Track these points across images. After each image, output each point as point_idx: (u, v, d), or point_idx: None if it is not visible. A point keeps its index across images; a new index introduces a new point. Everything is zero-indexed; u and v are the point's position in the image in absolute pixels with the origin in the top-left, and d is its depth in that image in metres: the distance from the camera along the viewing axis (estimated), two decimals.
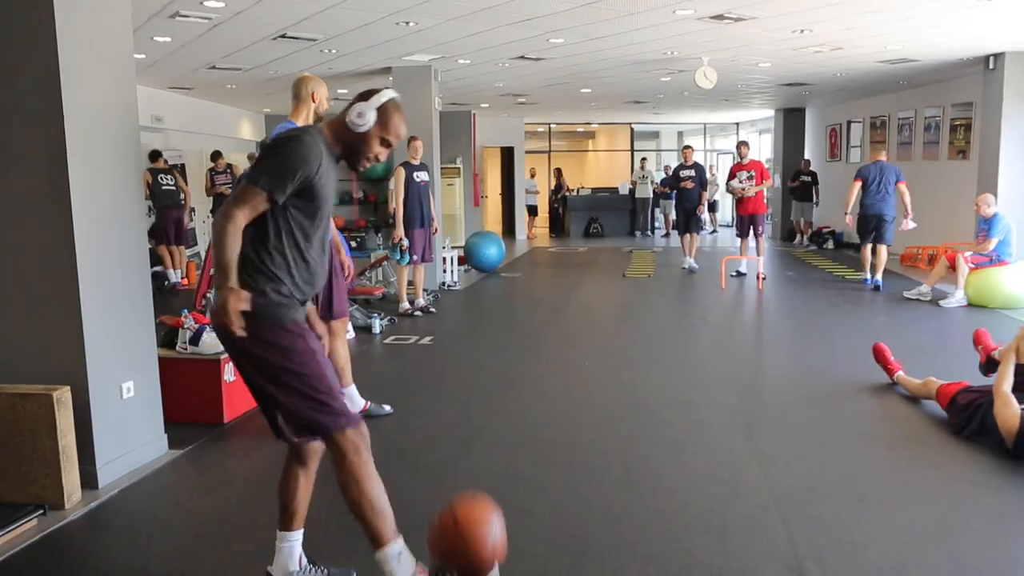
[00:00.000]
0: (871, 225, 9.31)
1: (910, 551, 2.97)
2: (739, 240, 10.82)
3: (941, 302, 8.21)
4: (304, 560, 2.71)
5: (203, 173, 11.78)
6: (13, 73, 3.52)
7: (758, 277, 10.07)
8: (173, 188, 10.17)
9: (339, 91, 11.97)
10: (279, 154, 2.37)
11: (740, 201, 10.61)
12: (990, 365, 4.73)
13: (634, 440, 4.27)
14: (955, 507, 3.37)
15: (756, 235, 10.47)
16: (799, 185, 15.14)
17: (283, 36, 7.75)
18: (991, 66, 9.48)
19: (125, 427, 3.88)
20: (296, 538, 2.66)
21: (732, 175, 10.72)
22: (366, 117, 2.45)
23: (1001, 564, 2.88)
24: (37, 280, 3.62)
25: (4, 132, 3.56)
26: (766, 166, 11.95)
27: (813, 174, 15.33)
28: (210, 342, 4.64)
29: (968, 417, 4.22)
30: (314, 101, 4.22)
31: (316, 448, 2.63)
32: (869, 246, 9.46)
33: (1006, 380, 4.13)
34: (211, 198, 11.60)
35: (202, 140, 12.62)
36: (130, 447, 3.91)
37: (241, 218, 2.33)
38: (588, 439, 4.30)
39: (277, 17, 6.96)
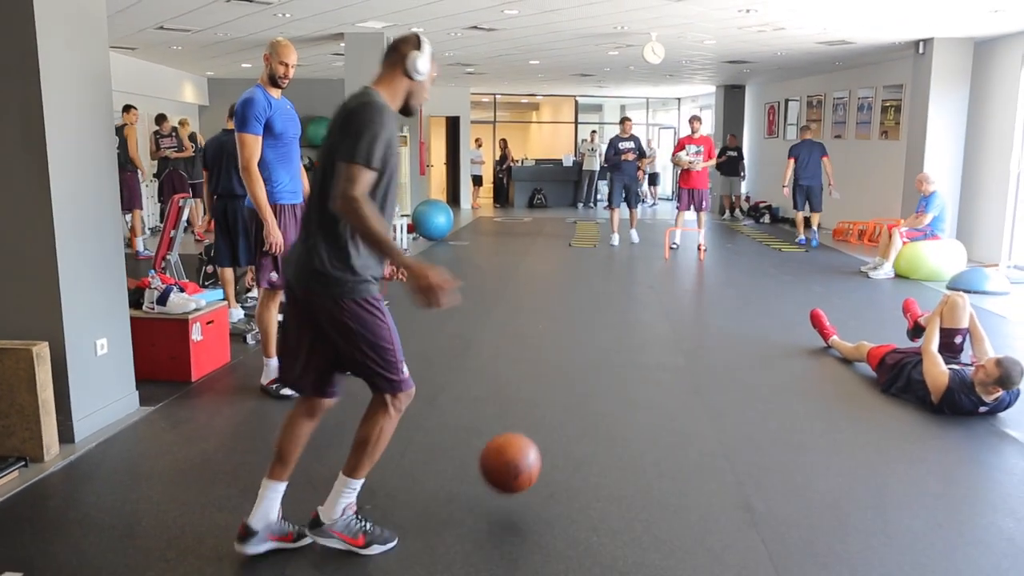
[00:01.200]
0: (804, 195, 11.43)
1: (843, 490, 3.30)
2: (677, 212, 11.07)
3: (871, 273, 8.69)
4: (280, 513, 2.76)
5: (147, 136, 11.58)
6: None
7: (699, 248, 10.44)
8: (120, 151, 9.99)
9: None
10: (371, 124, 2.40)
11: (685, 174, 10.78)
12: (917, 331, 5.14)
13: (590, 397, 4.54)
14: (882, 453, 3.72)
15: (700, 209, 10.69)
16: (725, 160, 15.56)
17: None
18: (921, 51, 9.96)
19: (99, 383, 3.97)
20: (281, 490, 2.72)
21: (681, 147, 10.80)
22: (427, 65, 2.58)
23: (919, 498, 3.23)
24: (16, 240, 3.66)
25: None
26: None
27: (739, 149, 15.85)
28: (178, 302, 4.72)
29: (895, 376, 4.60)
30: (267, 64, 4.25)
31: (328, 405, 2.77)
32: (802, 213, 11.46)
33: (933, 341, 4.51)
34: (155, 162, 11.42)
35: (144, 102, 12.37)
36: (104, 403, 4.00)
37: (365, 199, 2.37)
38: (547, 396, 4.55)
39: None
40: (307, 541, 2.77)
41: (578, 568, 2.66)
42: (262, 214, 4.23)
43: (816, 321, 5.70)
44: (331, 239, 2.48)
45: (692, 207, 10.71)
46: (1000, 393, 4.08)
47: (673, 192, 20.84)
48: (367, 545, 2.73)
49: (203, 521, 2.99)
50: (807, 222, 11.56)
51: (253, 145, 4.18)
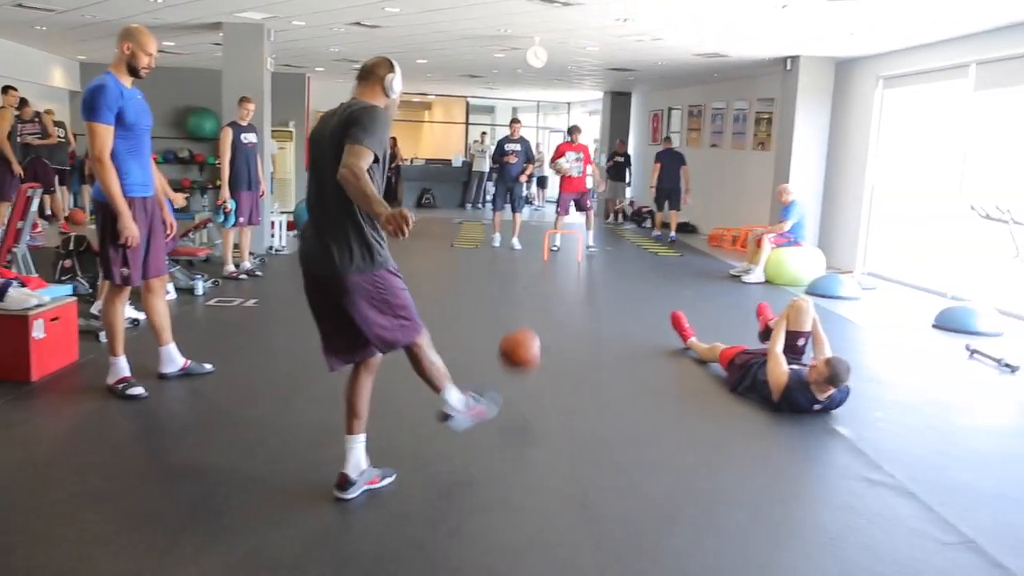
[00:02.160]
0: (664, 196, 12.77)
1: (677, 487, 3.44)
2: (557, 216, 11.20)
3: (744, 278, 9.07)
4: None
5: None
6: None
7: (583, 248, 10.64)
8: None
9: (166, 43, 11.44)
10: (378, 122, 2.83)
11: (566, 180, 10.96)
12: (767, 333, 5.37)
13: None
14: (720, 451, 3.90)
15: (584, 209, 10.93)
16: (613, 165, 15.97)
17: None
18: (788, 67, 10.47)
19: None
20: (363, 440, 3.17)
21: (561, 154, 10.96)
22: (400, 85, 3.07)
23: (748, 493, 3.40)
24: None
25: None
26: (592, 148, 12.58)
27: (627, 156, 16.29)
28: (17, 298, 4.48)
29: (742, 376, 4.82)
30: (126, 52, 4.10)
31: (379, 359, 3.21)
32: (662, 212, 12.97)
33: (778, 342, 4.75)
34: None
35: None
36: None
37: (364, 172, 2.72)
38: (401, 398, 4.52)
39: None
40: (388, 481, 3.26)
41: (409, 568, 2.68)
42: (116, 206, 4.06)
43: (676, 323, 5.90)
44: (355, 226, 2.90)
45: (575, 210, 10.93)
46: (831, 391, 4.34)
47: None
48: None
49: (24, 528, 2.84)
50: (664, 222, 13.12)
51: (105, 135, 4.02)
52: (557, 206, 11.33)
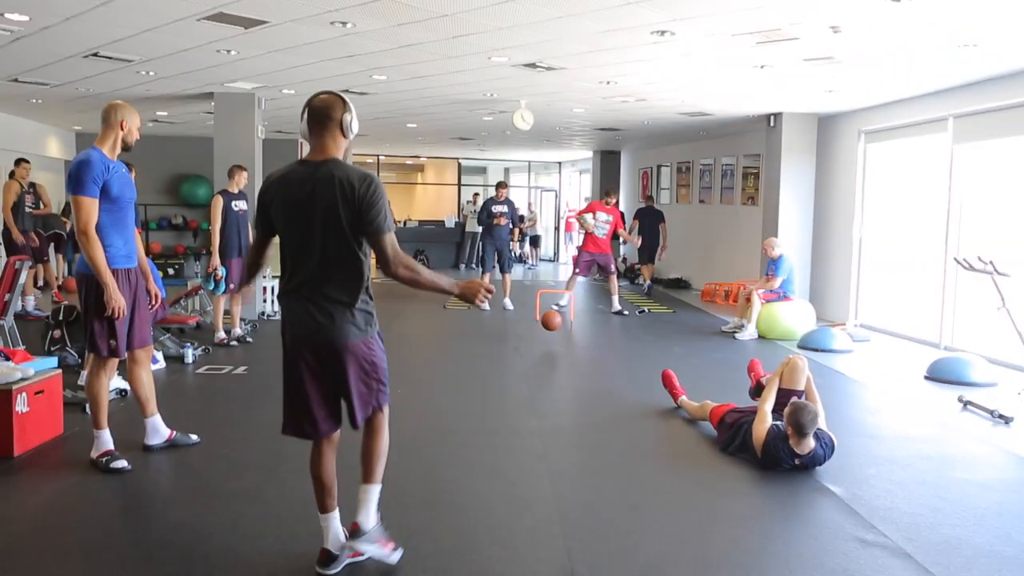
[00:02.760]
0: (644, 251, 13.29)
1: (668, 553, 3.38)
2: (572, 275, 10.94)
3: (736, 335, 9.04)
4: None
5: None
6: None
7: (621, 314, 10.49)
8: None
9: (159, 113, 11.63)
10: (384, 196, 2.90)
11: (589, 240, 10.74)
12: (758, 390, 5.34)
13: (437, 464, 4.51)
14: (710, 513, 3.85)
15: (608, 273, 10.82)
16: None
17: (95, 55, 7.52)
18: (772, 124, 10.64)
19: None
20: (337, 515, 3.12)
21: (591, 210, 10.86)
22: (356, 124, 2.99)
23: (738, 557, 3.35)
24: None
25: None
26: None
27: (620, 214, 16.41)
28: (3, 371, 4.46)
29: (732, 435, 4.77)
30: (122, 129, 4.21)
31: (339, 435, 3.16)
32: (645, 264, 13.46)
33: (768, 400, 4.71)
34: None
35: (2, 157, 11.80)
36: None
37: (414, 260, 2.94)
38: (393, 464, 4.46)
39: (88, 35, 6.76)
40: (394, 555, 3.17)
41: None
42: (102, 278, 4.08)
43: (667, 382, 5.88)
44: (357, 293, 2.92)
45: (596, 273, 10.82)
46: (812, 446, 4.30)
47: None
48: (396, 548, 3.17)
49: None
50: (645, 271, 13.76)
51: (90, 208, 4.06)
52: (575, 266, 11.10)
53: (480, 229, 17.79)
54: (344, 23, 6.14)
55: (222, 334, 8.00)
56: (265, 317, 9.92)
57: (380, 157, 20.56)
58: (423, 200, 23.73)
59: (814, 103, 9.69)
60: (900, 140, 9.44)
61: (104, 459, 4.24)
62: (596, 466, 4.52)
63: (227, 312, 8.20)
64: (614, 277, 10.93)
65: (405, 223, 19.51)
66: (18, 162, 9.95)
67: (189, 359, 7.09)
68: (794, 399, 4.42)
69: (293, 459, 4.48)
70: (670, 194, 15.62)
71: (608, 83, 8.56)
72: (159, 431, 4.62)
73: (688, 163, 14.90)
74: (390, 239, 2.87)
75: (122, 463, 4.24)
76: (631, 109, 10.52)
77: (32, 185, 10.83)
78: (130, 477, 4.17)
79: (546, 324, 8.43)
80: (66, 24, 6.33)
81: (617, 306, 10.73)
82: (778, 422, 4.53)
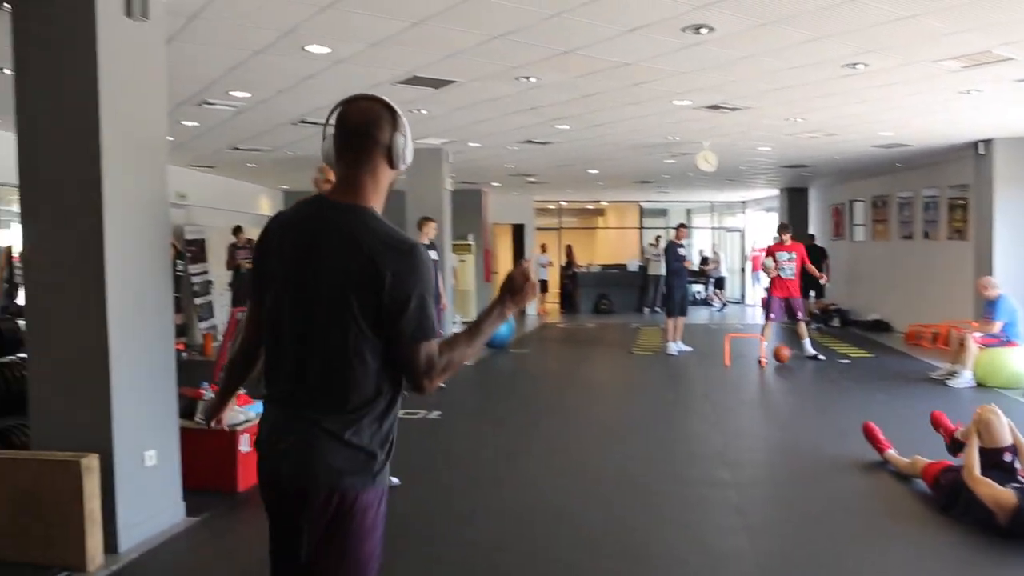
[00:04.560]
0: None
1: None
2: (765, 322, 10.26)
3: (949, 382, 8.29)
4: None
5: (223, 248, 12.21)
6: (56, 157, 3.88)
7: (815, 358, 9.98)
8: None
9: None
10: (428, 279, 1.91)
11: (778, 283, 10.20)
12: (956, 446, 4.83)
13: (628, 513, 4.45)
14: None
15: (796, 319, 10.21)
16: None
17: (302, 122, 8.22)
18: (981, 151, 9.83)
19: (146, 494, 4.11)
20: None
21: (770, 254, 10.38)
22: (411, 153, 2.01)
23: None
24: (75, 359, 3.91)
25: (46, 223, 3.92)
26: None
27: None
28: (228, 415, 4.88)
29: (953, 497, 4.32)
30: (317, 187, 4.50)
31: None
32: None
33: (974, 468, 4.22)
34: (230, 271, 11.99)
35: (223, 216, 13.09)
36: (150, 513, 4.13)
37: (444, 357, 1.93)
38: (585, 512, 4.48)
39: (297, 105, 7.42)
40: None
41: None
42: None
43: (870, 434, 5.48)
44: (376, 408, 1.93)
45: (786, 315, 10.22)
46: None
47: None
48: None
49: None
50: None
51: None
52: (764, 309, 10.67)
53: (663, 271, 17.75)
54: (528, 78, 6.35)
55: None
56: None
57: (562, 203, 20.91)
58: (604, 244, 23.83)
59: None
60: None
61: None
62: (797, 523, 4.29)
63: None
64: (801, 324, 10.26)
65: (588, 267, 19.65)
66: (235, 230, 11.73)
67: None
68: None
69: (487, 503, 4.58)
70: (865, 231, 14.75)
71: (795, 120, 8.28)
72: None
73: (884, 197, 14.02)
74: (427, 350, 1.87)
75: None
76: (819, 145, 10.10)
77: (249, 241, 11.97)
78: None
79: (778, 357, 9.60)
80: (280, 96, 6.98)
81: (811, 350, 10.15)
82: (1015, 484, 4.05)
